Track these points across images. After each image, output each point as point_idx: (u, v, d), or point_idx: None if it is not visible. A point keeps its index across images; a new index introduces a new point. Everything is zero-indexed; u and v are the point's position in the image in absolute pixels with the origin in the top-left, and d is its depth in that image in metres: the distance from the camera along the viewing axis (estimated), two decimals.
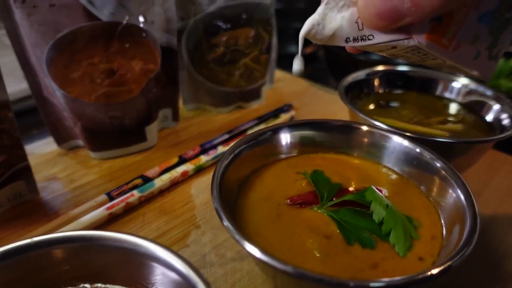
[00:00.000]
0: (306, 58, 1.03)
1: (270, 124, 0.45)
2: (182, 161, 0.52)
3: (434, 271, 0.26)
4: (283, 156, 0.43)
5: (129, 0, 0.49)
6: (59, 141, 0.57)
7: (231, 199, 0.36)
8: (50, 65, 0.49)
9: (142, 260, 0.28)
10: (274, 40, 0.70)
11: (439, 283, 0.34)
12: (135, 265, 0.28)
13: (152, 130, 0.58)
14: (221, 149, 0.55)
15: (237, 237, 0.28)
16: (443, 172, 0.36)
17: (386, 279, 0.26)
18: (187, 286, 0.25)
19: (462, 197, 0.33)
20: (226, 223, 0.29)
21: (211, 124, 0.65)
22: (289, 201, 0.36)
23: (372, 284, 0.25)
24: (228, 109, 0.68)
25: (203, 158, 0.53)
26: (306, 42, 1.06)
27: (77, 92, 0.51)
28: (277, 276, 0.32)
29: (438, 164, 0.37)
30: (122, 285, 0.29)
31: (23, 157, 0.46)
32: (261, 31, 0.65)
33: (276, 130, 0.42)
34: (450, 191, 0.34)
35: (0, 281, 0.27)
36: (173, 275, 0.27)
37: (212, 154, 0.54)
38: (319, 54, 1.04)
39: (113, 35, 0.50)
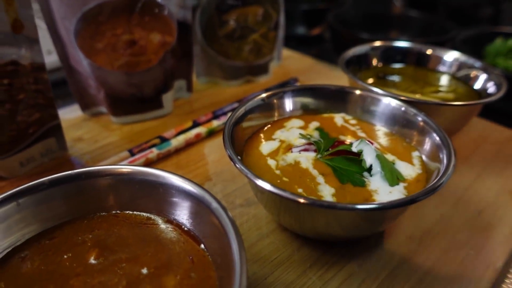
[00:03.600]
0: (313, 39, 1.07)
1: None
2: (195, 125, 0.58)
3: (406, 198, 0.31)
4: (289, 115, 0.48)
5: None
6: (84, 107, 0.62)
7: (240, 149, 0.41)
8: (77, 36, 0.55)
9: (164, 190, 0.33)
10: (282, 19, 0.74)
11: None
12: (158, 195, 0.34)
13: (168, 98, 0.63)
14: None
15: (250, 175, 0.33)
16: (423, 124, 0.41)
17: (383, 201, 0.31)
18: (203, 206, 0.31)
19: (438, 139, 0.38)
20: (238, 165, 0.34)
21: (222, 95, 0.70)
22: (292, 150, 0.41)
23: (375, 206, 0.30)
24: (237, 82, 0.73)
25: (215, 123, 0.58)
26: (313, 23, 1.12)
27: (101, 61, 0.56)
28: (281, 212, 0.37)
29: (419, 119, 0.41)
30: (146, 213, 0.35)
31: (55, 116, 0.51)
32: (270, 9, 0.69)
33: (282, 93, 0.47)
34: (429, 139, 0.39)
35: (56, 199, 0.32)
36: (190, 201, 0.32)
37: (223, 119, 0.59)
38: (325, 36, 1.08)
39: (134, 9, 0.55)
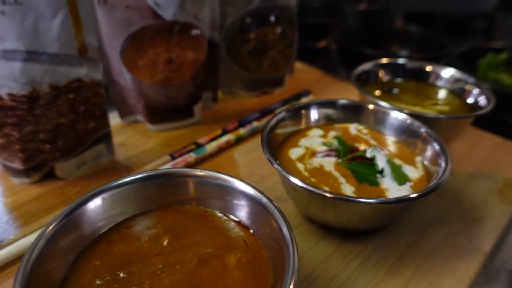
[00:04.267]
0: (320, 51, 1.16)
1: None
2: (225, 132, 0.66)
3: (413, 195, 0.39)
4: (311, 125, 0.56)
5: (187, 3, 0.61)
6: (123, 115, 0.70)
7: (272, 154, 0.49)
8: (122, 53, 0.63)
9: (231, 192, 0.41)
10: (296, 36, 0.82)
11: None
12: (226, 196, 0.41)
13: (198, 109, 0.71)
14: (255, 123, 0.68)
15: (286, 174, 0.41)
16: (426, 134, 0.49)
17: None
18: (254, 200, 0.39)
19: (438, 147, 0.46)
20: (276, 166, 0.43)
21: (243, 104, 0.78)
22: (316, 155, 0.49)
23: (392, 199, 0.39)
24: (256, 93, 0.81)
25: (242, 130, 0.66)
26: (320, 36, 1.23)
27: (142, 75, 0.64)
28: (310, 205, 0.45)
29: (422, 130, 0.50)
30: (205, 207, 0.42)
31: (107, 124, 0.59)
32: (286, 28, 0.77)
33: (307, 106, 0.56)
34: (430, 147, 0.48)
35: (144, 192, 0.41)
36: (242, 196, 0.40)
37: (248, 127, 0.67)
38: (330, 48, 1.17)
39: (173, 31, 0.63)
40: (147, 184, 0.41)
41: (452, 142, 0.63)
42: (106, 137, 0.60)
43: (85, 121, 0.56)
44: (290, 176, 0.41)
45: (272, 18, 0.75)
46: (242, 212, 0.41)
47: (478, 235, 0.49)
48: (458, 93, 0.65)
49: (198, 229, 0.40)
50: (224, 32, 0.74)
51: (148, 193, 0.42)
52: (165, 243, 0.38)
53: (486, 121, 0.69)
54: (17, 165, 0.55)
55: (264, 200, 0.38)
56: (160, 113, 0.68)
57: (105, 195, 0.40)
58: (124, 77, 0.65)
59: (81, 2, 0.48)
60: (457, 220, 0.51)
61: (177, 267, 0.36)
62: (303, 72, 0.93)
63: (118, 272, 0.36)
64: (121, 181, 0.41)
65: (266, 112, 0.72)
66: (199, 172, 0.42)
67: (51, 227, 0.35)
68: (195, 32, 0.65)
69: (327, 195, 0.39)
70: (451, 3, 1.24)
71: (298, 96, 0.77)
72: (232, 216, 0.41)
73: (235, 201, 0.41)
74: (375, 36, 1.03)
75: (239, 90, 0.81)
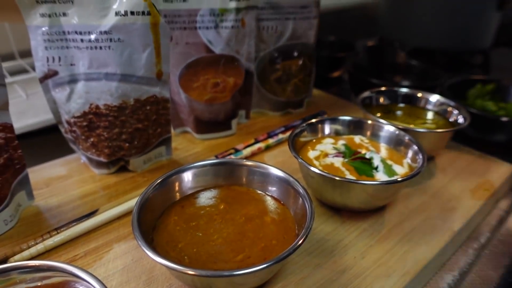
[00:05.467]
0: (334, 79, 1.34)
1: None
2: (256, 141, 0.83)
3: (399, 178, 0.56)
4: (325, 136, 0.73)
5: (231, 41, 0.81)
6: (175, 127, 0.89)
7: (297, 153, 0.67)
8: (180, 78, 0.82)
9: (268, 176, 0.58)
10: (314, 67, 1.01)
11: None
12: (265, 179, 0.58)
13: (234, 123, 0.89)
14: (281, 135, 0.86)
15: (307, 165, 0.58)
16: (410, 141, 0.66)
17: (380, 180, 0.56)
18: (290, 187, 0.56)
19: (417, 149, 0.63)
20: (300, 160, 0.60)
21: (269, 122, 0.96)
22: (328, 156, 0.67)
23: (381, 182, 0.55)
24: (280, 113, 0.99)
25: (270, 140, 0.84)
26: (334, 67, 1.47)
27: (194, 95, 0.83)
28: (323, 189, 0.61)
29: (406, 138, 0.67)
30: (257, 189, 0.59)
31: (169, 131, 0.77)
32: (306, 61, 0.96)
33: (322, 121, 0.73)
34: (411, 149, 0.65)
35: (207, 173, 0.58)
36: (282, 183, 0.57)
37: (275, 138, 0.85)
38: (343, 77, 1.35)
39: (220, 62, 0.82)
40: (209, 168, 0.59)
41: (439, 154, 0.79)
42: (167, 140, 0.78)
43: (154, 127, 0.74)
44: (310, 166, 0.58)
45: (295, 53, 0.93)
46: (275, 189, 0.58)
47: (451, 219, 0.64)
48: (442, 114, 0.82)
49: (244, 200, 0.57)
50: (257, 63, 0.92)
51: (210, 174, 0.59)
52: (221, 207, 0.56)
53: (470, 139, 0.85)
54: (102, 158, 0.73)
55: (291, 179, 0.55)
56: (205, 125, 0.87)
57: (184, 173, 0.58)
58: (180, 96, 0.84)
59: (162, 40, 0.67)
60: (435, 209, 0.67)
61: (231, 222, 0.53)
62: (319, 97, 1.11)
63: (191, 223, 0.53)
64: (196, 164, 0.59)
65: (289, 127, 0.89)
66: (248, 162, 0.59)
67: (150, 189, 0.53)
68: (236, 63, 0.83)
69: (336, 178, 0.56)
70: (450, 40, 1.41)
71: (315, 115, 0.95)
72: (268, 193, 0.58)
73: (271, 182, 0.58)
74: (381, 68, 1.21)
75: (267, 110, 0.99)
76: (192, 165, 0.59)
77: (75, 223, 0.61)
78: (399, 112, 0.85)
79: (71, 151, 0.79)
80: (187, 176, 0.58)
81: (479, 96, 1.05)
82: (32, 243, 0.57)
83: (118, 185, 0.72)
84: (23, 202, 0.66)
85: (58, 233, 0.59)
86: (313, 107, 1.04)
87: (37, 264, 0.42)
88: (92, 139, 0.71)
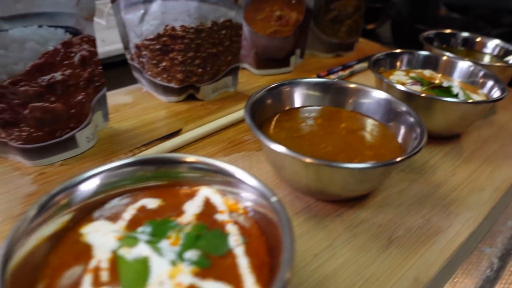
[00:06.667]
0: (369, 32, 1.34)
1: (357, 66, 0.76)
2: (319, 77, 0.84)
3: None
4: (395, 68, 0.74)
5: None
6: None
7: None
8: (245, 9, 0.80)
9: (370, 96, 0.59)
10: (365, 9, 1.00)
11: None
12: (367, 100, 0.59)
13: (292, 60, 0.89)
14: (340, 73, 0.86)
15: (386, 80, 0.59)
16: (485, 76, 0.68)
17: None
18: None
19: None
20: (385, 80, 0.61)
21: (321, 63, 0.96)
22: (406, 84, 0.67)
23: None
24: (331, 55, 0.99)
25: (332, 76, 0.84)
26: (371, 18, 1.45)
27: (258, 28, 0.82)
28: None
29: (481, 72, 0.68)
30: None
31: (238, 60, 0.77)
32: (361, 2, 0.95)
33: (395, 54, 0.74)
34: (487, 81, 0.66)
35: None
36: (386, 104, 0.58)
37: (336, 75, 0.85)
38: (377, 31, 1.34)
39: None
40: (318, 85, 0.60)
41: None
42: (235, 70, 0.78)
43: (226, 54, 0.73)
44: (396, 84, 0.59)
45: None
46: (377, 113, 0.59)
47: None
48: (501, 57, 0.84)
49: (341, 118, 0.58)
50: (315, 1, 0.91)
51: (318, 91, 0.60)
52: (319, 122, 0.56)
53: None
54: (173, 84, 0.72)
55: (393, 99, 0.56)
56: (265, 61, 0.86)
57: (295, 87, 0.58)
58: (243, 29, 0.82)
59: None
60: (508, 139, 0.69)
61: (334, 134, 0.54)
62: (364, 44, 1.11)
63: (294, 134, 0.53)
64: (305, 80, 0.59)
65: (346, 66, 0.90)
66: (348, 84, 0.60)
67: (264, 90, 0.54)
68: None
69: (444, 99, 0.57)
70: None
71: (370, 57, 0.95)
72: (362, 112, 0.59)
73: (368, 102, 0.59)
74: (422, 21, 1.21)
75: (318, 52, 0.99)
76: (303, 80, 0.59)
77: (160, 141, 0.61)
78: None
79: (129, 83, 0.78)
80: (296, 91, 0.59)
81: None
82: (123, 157, 0.57)
83: (191, 111, 0.72)
84: (99, 123, 0.65)
85: (146, 149, 0.59)
86: (361, 52, 1.04)
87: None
88: (164, 64, 0.70)
